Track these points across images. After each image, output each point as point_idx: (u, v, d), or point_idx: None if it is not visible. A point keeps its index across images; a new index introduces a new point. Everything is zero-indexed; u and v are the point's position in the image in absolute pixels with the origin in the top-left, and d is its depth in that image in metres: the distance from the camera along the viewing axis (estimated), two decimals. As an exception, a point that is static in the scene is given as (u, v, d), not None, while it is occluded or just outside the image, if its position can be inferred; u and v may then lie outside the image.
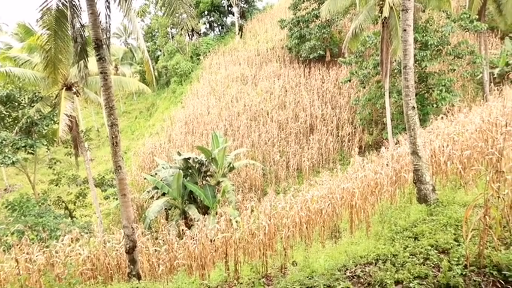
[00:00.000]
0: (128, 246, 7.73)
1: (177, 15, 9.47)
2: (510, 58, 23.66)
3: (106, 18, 8.76)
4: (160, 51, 49.78)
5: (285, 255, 7.04)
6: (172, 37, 49.39)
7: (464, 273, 4.47)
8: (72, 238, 8.82)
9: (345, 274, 5.18)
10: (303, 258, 6.36)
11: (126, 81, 22.02)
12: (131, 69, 52.16)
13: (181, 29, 9.59)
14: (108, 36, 8.75)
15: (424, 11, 22.89)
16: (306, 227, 9.11)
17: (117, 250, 8.73)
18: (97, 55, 7.79)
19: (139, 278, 7.64)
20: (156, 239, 10.05)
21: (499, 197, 5.03)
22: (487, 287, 4.21)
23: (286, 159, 24.19)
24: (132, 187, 24.11)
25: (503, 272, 4.31)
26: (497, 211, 4.92)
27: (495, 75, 23.97)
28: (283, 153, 24.85)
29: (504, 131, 6.84)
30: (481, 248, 4.64)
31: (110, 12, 8.85)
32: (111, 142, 7.87)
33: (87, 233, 10.63)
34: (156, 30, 51.42)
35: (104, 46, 8.01)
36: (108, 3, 8.79)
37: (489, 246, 4.83)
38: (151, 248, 9.16)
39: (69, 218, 18.74)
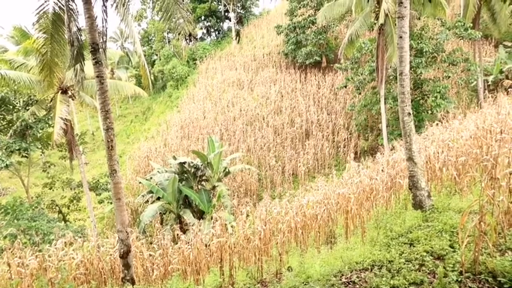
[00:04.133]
0: (122, 250, 7.66)
1: (174, 20, 9.47)
2: (504, 66, 23.90)
3: (103, 22, 8.74)
4: (157, 55, 49.79)
5: (280, 260, 7.02)
6: (169, 42, 49.43)
7: (459, 279, 4.47)
8: (65, 242, 8.73)
9: (341, 280, 5.17)
10: (298, 263, 6.35)
11: (122, 85, 21.96)
12: (127, 73, 52.13)
13: (178, 34, 9.58)
14: (104, 40, 8.72)
15: (419, 19, 23.09)
16: (302, 232, 9.07)
17: (111, 255, 8.65)
18: (93, 59, 7.76)
19: (133, 282, 7.58)
20: (151, 243, 9.98)
21: (494, 203, 5.06)
22: (482, 294, 4.22)
23: (282, 164, 24.18)
24: (127, 191, 23.97)
25: (498, 279, 4.31)
26: (492, 217, 4.93)
27: (489, 83, 24.18)
28: (278, 158, 24.85)
29: (499, 138, 6.88)
30: (476, 254, 4.65)
31: (106, 16, 8.83)
32: (106, 146, 7.82)
33: (80, 237, 10.54)
34: (153, 35, 51.47)
35: (101, 50, 7.99)
36: (106, 7, 8.78)
37: (484, 252, 4.84)
38: (145, 253, 9.08)
39: (63, 222, 18.62)
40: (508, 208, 5.58)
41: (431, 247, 5.46)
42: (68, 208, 22.87)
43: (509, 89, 17.14)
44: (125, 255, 7.67)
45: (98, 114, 31.73)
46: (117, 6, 9.14)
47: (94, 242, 8.84)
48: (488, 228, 4.90)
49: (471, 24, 21.11)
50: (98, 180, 23.32)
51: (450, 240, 5.59)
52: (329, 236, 9.24)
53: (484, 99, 21.93)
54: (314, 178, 21.06)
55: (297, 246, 8.89)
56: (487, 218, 4.82)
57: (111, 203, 20.16)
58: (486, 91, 23.23)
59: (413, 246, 5.73)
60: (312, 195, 11.16)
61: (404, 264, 5.14)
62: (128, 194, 23.48)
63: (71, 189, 23.41)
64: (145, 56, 47.63)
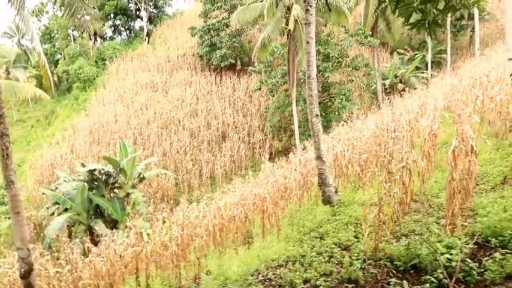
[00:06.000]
0: (22, 270, 6.93)
1: (78, 16, 8.89)
2: (398, 71, 26.60)
3: (-7, 17, 7.87)
4: (61, 54, 46.07)
5: (199, 264, 6.98)
6: (74, 40, 46.05)
7: (363, 266, 4.86)
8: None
9: (258, 278, 5.30)
10: (216, 266, 6.38)
11: (19, 87, 20.03)
12: (26, 74, 47.27)
13: (83, 32, 9.02)
14: (-4, 36, 7.86)
15: (325, 25, 24.63)
16: (220, 235, 9.11)
17: (9, 276, 7.82)
18: (-18, 57, 6.94)
19: (37, 303, 6.92)
20: (58, 259, 9.22)
21: (390, 195, 5.61)
22: (382, 278, 4.64)
23: (199, 167, 24.00)
24: (28, 204, 21.78)
25: (395, 263, 4.78)
26: (389, 208, 5.46)
27: (386, 86, 26.70)
28: (195, 161, 24.60)
29: (393, 136, 7.64)
30: (377, 242, 5.11)
31: (-2, 10, 7.96)
32: (0, 154, 7.04)
33: (-29, 258, 9.35)
34: (56, 32, 47.48)
35: (-9, 48, 7.17)
36: (-4, -1, 7.92)
37: (383, 240, 5.33)
38: (51, 270, 8.36)
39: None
40: (401, 199, 6.22)
41: (339, 239, 5.86)
42: (-45, 227, 20.10)
43: (402, 92, 19.08)
44: (26, 275, 6.95)
45: (-9, 119, 28.41)
46: (10, -1, 8.29)
47: (-12, 262, 7.92)
48: (386, 218, 5.41)
49: (370, 33, 23.13)
50: (-8, 193, 20.89)
51: (355, 232, 6.05)
52: (246, 236, 9.41)
53: (382, 101, 24.14)
54: (231, 180, 21.24)
55: (215, 249, 8.90)
56: (384, 209, 5.33)
57: (9, 218, 18.16)
58: (383, 94, 25.61)
59: (323, 240, 6.09)
60: (229, 197, 11.27)
61: (316, 257, 5.44)
62: (30, 206, 21.35)
63: (-42, 205, 20.61)
64: (46, 54, 43.75)
